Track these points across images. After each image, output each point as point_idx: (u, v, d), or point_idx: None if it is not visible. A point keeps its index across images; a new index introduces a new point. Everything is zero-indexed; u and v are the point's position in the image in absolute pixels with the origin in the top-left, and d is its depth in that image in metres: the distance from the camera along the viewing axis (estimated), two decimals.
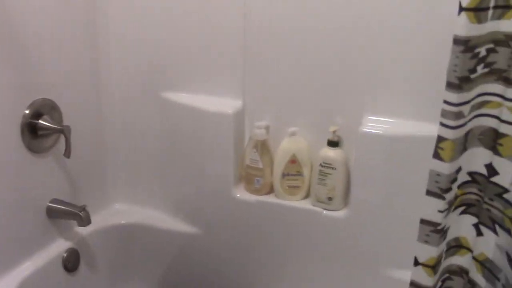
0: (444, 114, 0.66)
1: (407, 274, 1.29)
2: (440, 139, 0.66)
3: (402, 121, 1.29)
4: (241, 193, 1.46)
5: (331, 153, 1.35)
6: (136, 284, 1.65)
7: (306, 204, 1.41)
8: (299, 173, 1.41)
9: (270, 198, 1.44)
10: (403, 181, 1.28)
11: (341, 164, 1.36)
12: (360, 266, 1.39)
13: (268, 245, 1.47)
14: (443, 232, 0.68)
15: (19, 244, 1.29)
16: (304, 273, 1.46)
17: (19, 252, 1.30)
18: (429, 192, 0.67)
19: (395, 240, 1.33)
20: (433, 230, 0.66)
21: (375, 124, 1.30)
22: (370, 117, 1.32)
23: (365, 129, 1.29)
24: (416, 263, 0.68)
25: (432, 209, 0.66)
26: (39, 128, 1.29)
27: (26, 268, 1.30)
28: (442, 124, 0.66)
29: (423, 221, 0.66)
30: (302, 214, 1.41)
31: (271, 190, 1.46)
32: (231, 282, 1.56)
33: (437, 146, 0.67)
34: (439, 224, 0.66)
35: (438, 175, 0.66)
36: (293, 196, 1.43)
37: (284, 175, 1.42)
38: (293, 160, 1.41)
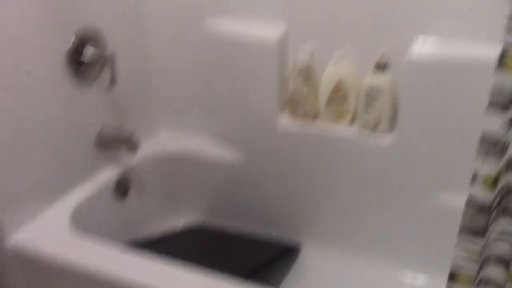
0: (511, 17, 0.62)
1: (458, 198, 1.29)
2: (505, 48, 0.63)
3: (457, 42, 1.23)
4: (286, 121, 1.46)
5: (378, 78, 1.32)
6: (185, 211, 1.69)
7: (351, 131, 1.40)
8: (345, 99, 1.39)
9: (315, 125, 1.43)
10: (454, 106, 1.25)
11: (388, 89, 1.32)
12: (408, 193, 1.38)
13: (313, 172, 1.47)
14: (503, 147, 0.65)
15: (71, 171, 1.33)
16: (351, 203, 1.46)
17: (72, 179, 1.34)
18: (491, 105, 0.65)
19: (444, 168, 1.31)
20: (493, 144, 0.64)
21: (427, 46, 1.25)
22: (421, 38, 1.26)
23: (415, 52, 1.24)
24: (474, 178, 0.66)
25: (493, 123, 0.63)
26: (84, 57, 1.30)
27: (79, 193, 1.34)
28: (508, 29, 0.62)
29: (483, 136, 0.64)
30: (347, 141, 1.40)
31: (316, 117, 1.45)
32: (275, 212, 1.58)
33: (502, 56, 0.64)
34: (500, 139, 0.64)
35: (501, 87, 0.63)
36: (338, 123, 1.41)
37: (329, 101, 1.40)
38: (339, 86, 1.38)
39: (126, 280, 1.05)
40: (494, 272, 0.74)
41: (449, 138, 1.28)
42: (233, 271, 1.30)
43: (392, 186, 1.39)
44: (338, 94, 1.39)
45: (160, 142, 1.64)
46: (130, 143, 1.37)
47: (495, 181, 0.66)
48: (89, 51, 1.30)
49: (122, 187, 1.46)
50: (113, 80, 1.34)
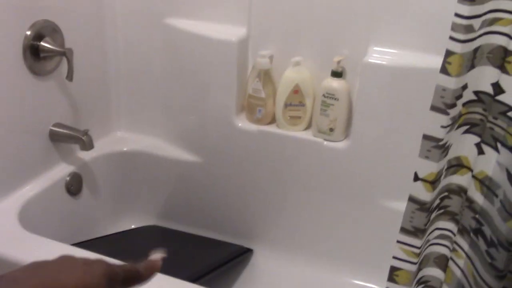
0: (454, 27, 0.65)
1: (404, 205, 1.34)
2: (448, 53, 0.66)
3: (408, 52, 1.28)
4: (243, 123, 1.47)
5: (335, 83, 1.35)
6: (138, 212, 1.68)
7: (307, 135, 1.42)
8: (302, 104, 1.41)
9: (272, 128, 1.45)
10: (406, 114, 1.28)
11: (344, 95, 1.35)
12: (359, 197, 1.41)
13: (269, 175, 1.49)
14: (444, 148, 0.68)
15: (22, 166, 1.30)
16: (303, 203, 1.49)
17: (23, 175, 1.31)
18: (433, 108, 0.67)
19: (395, 173, 1.35)
20: (434, 145, 0.67)
21: (380, 55, 1.29)
22: (375, 48, 1.30)
23: (369, 60, 1.28)
24: (416, 178, 0.68)
25: (435, 124, 0.66)
26: (41, 50, 1.28)
27: (30, 189, 1.31)
28: (451, 38, 0.65)
29: (425, 136, 0.67)
30: (303, 145, 1.42)
31: (272, 120, 1.46)
32: (231, 211, 1.58)
33: (445, 61, 0.67)
34: (441, 140, 0.66)
35: (444, 90, 0.66)
36: (294, 127, 1.43)
37: (286, 105, 1.41)
38: (296, 90, 1.40)
39: None
40: (433, 272, 0.77)
41: (401, 144, 1.32)
42: (183, 271, 1.29)
43: (344, 190, 1.42)
44: (295, 98, 1.41)
45: (116, 141, 1.62)
46: (83, 141, 1.35)
47: (435, 182, 0.69)
48: (45, 45, 1.28)
49: (74, 185, 1.43)
50: (69, 75, 1.32)
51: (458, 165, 0.73)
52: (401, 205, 1.33)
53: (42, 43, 1.28)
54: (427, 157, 0.67)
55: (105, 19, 1.49)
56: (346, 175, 1.40)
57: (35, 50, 1.27)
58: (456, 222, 0.74)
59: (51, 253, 1.08)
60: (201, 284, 1.21)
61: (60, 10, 1.33)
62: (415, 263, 0.70)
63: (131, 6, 1.49)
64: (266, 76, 1.42)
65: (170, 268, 1.30)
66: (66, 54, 1.29)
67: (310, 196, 1.47)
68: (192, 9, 1.44)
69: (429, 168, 0.68)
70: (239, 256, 1.51)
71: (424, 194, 0.68)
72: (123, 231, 1.55)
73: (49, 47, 1.28)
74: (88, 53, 1.46)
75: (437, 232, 0.75)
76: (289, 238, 1.54)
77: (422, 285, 0.76)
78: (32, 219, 1.26)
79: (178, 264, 1.37)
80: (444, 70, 0.66)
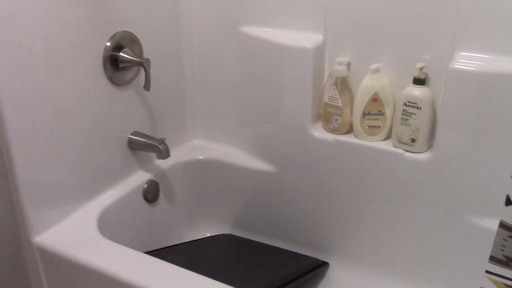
0: None
1: (493, 222, 1.23)
2: None
3: (497, 57, 1.18)
4: (319, 132, 1.42)
5: (417, 91, 1.27)
6: (213, 220, 1.68)
7: (387, 145, 1.35)
8: (381, 113, 1.35)
9: (349, 138, 1.39)
10: (495, 124, 1.18)
11: (427, 104, 1.27)
12: (443, 212, 1.32)
13: (346, 186, 1.43)
14: None
15: (102, 174, 1.34)
16: (383, 217, 1.41)
17: (103, 182, 1.35)
18: None
19: (482, 187, 1.25)
20: None
21: (467, 61, 1.19)
22: (461, 53, 1.21)
23: (456, 66, 1.19)
24: (508, 202, 0.61)
25: None
26: (120, 61, 1.31)
27: (109, 196, 1.35)
28: None
29: None
30: (382, 156, 1.35)
31: (350, 130, 1.41)
32: (307, 222, 1.54)
33: None
34: None
35: None
36: (373, 137, 1.37)
37: (364, 114, 1.35)
38: (375, 99, 1.34)
39: (144, 286, 1.04)
40: None
41: (489, 157, 1.21)
42: (257, 283, 1.27)
43: (426, 204, 1.33)
44: (374, 107, 1.34)
45: (191, 149, 1.63)
46: (160, 150, 1.36)
47: None
48: (124, 56, 1.31)
49: (151, 193, 1.46)
50: (147, 85, 1.34)
51: None
52: (489, 223, 1.25)
53: (121, 54, 1.31)
54: None
55: (181, 29, 1.51)
56: (429, 188, 1.31)
57: (114, 61, 1.30)
58: None
59: (125, 260, 1.11)
60: None
61: (139, 21, 1.36)
62: None
63: (207, 15, 1.49)
64: (343, 84, 1.37)
65: (243, 279, 1.28)
66: (144, 64, 1.32)
67: (390, 210, 1.39)
68: (267, 17, 1.42)
69: None
70: (314, 269, 1.47)
71: None
72: (197, 240, 1.55)
73: (128, 58, 1.31)
74: (165, 63, 1.48)
75: None
76: (367, 253, 1.47)
77: None
78: (110, 225, 1.30)
79: (252, 275, 1.35)
80: None
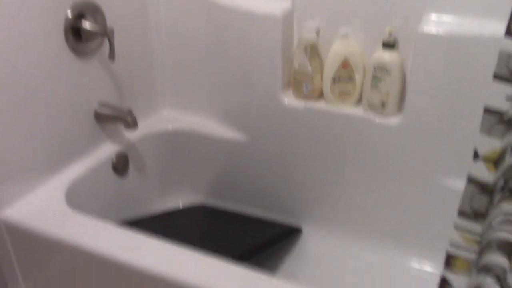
0: None
1: (463, 183, 1.25)
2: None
3: (468, 19, 1.18)
4: (290, 100, 1.41)
5: (387, 55, 1.27)
6: (185, 191, 1.67)
7: (357, 111, 1.35)
8: (351, 78, 1.34)
9: (319, 105, 1.38)
10: (466, 87, 1.19)
11: (396, 68, 1.27)
12: (413, 175, 1.33)
13: (317, 153, 1.43)
14: (509, 123, 0.60)
15: (69, 146, 1.31)
16: (354, 182, 1.42)
17: (70, 154, 1.31)
18: (497, 76, 0.60)
19: (452, 150, 1.26)
20: (498, 119, 0.59)
21: (437, 23, 1.19)
22: (431, 16, 1.21)
23: (425, 29, 1.18)
24: (476, 156, 0.61)
25: (499, 95, 0.58)
26: (83, 31, 1.26)
27: (77, 169, 1.32)
28: None
29: (487, 110, 0.59)
30: (353, 121, 1.35)
31: (320, 96, 1.40)
32: (279, 190, 1.54)
33: (510, 22, 0.59)
34: (505, 113, 0.59)
35: (509, 56, 0.58)
36: (343, 103, 1.36)
37: (334, 80, 1.35)
38: (345, 64, 1.33)
39: (120, 258, 1.03)
40: (496, 260, 0.70)
41: (459, 119, 1.23)
42: (231, 250, 1.27)
43: (398, 168, 1.34)
44: (344, 72, 1.33)
45: (161, 120, 1.60)
46: (128, 121, 1.33)
47: (498, 161, 0.61)
48: (87, 26, 1.26)
49: (120, 164, 1.43)
50: (111, 55, 1.30)
51: None
52: (459, 184, 1.27)
53: (83, 24, 1.26)
54: (489, 133, 0.60)
55: None
56: (400, 152, 1.32)
57: (76, 31, 1.26)
58: None
59: (97, 232, 1.09)
60: (249, 263, 1.19)
61: None
62: (474, 251, 0.64)
63: None
64: (312, 50, 1.35)
65: (217, 247, 1.28)
66: (108, 33, 1.27)
67: (362, 175, 1.40)
68: None
69: (491, 145, 0.61)
70: (288, 236, 1.48)
71: (486, 174, 0.61)
72: (170, 210, 1.54)
73: (90, 28, 1.26)
74: (130, 32, 1.44)
75: (502, 217, 0.67)
76: (339, 218, 1.49)
77: (483, 273, 0.69)
78: (79, 198, 1.27)
79: (226, 243, 1.35)
80: (509, 33, 0.58)
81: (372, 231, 1.45)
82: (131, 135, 1.47)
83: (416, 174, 1.33)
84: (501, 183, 0.66)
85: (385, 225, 1.43)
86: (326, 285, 1.38)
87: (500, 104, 0.58)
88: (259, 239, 1.39)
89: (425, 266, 1.40)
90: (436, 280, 1.35)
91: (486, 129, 0.60)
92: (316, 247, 1.50)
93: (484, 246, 0.67)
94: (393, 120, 1.31)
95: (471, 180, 0.62)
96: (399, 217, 1.40)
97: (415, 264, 1.41)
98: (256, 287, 0.95)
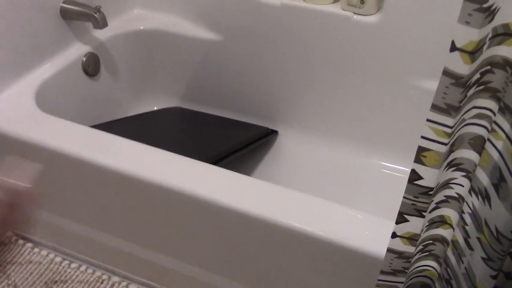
0: None
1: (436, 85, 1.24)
2: None
3: None
4: None
5: None
6: (159, 93, 1.64)
7: (335, 8, 1.30)
8: None
9: (297, 1, 1.33)
10: None
11: None
12: (391, 76, 1.32)
13: (293, 52, 1.40)
14: (489, 12, 0.58)
15: (36, 46, 1.25)
16: (331, 83, 1.41)
17: (37, 55, 1.26)
18: None
19: (431, 49, 1.24)
20: (477, 8, 0.57)
21: None
22: None
23: None
24: (453, 48, 0.59)
25: None
26: None
27: (45, 70, 1.27)
28: None
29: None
30: (330, 19, 1.31)
31: None
32: (255, 91, 1.52)
33: None
34: (486, 1, 0.56)
35: None
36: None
37: None
38: None
39: (91, 159, 1.02)
40: (467, 154, 0.70)
41: (440, 19, 1.19)
42: (206, 152, 1.27)
43: (373, 68, 1.33)
44: None
45: (132, 19, 1.53)
46: (96, 18, 1.27)
47: (475, 52, 0.60)
48: None
49: (91, 66, 1.38)
50: None
51: (506, 34, 0.63)
52: (432, 85, 1.26)
53: None
54: (467, 23, 0.58)
55: None
56: (377, 51, 1.30)
57: None
58: (498, 100, 0.66)
59: (69, 134, 1.07)
60: (225, 165, 1.20)
61: None
62: (445, 144, 0.64)
63: None
64: None
65: (193, 149, 1.28)
66: None
67: (338, 75, 1.38)
68: None
69: (468, 35, 0.59)
70: (263, 137, 1.48)
71: (461, 66, 0.60)
72: (145, 113, 1.52)
73: None
74: None
75: (475, 111, 0.67)
76: (316, 120, 1.49)
77: (454, 168, 0.70)
78: (49, 100, 1.24)
79: (201, 145, 1.35)
80: None
81: (348, 132, 1.46)
82: (101, 35, 1.41)
83: (390, 75, 1.32)
84: (477, 76, 0.64)
85: (361, 126, 1.44)
86: (301, 185, 1.41)
87: None
88: (235, 140, 1.39)
89: (396, 165, 1.43)
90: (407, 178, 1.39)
91: (464, 19, 0.57)
92: (292, 148, 1.51)
93: (455, 140, 0.67)
94: (372, 18, 1.27)
95: (446, 73, 0.61)
96: (375, 118, 1.41)
97: (387, 164, 1.44)
98: (230, 186, 0.96)
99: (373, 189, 1.39)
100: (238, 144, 1.37)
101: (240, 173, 0.98)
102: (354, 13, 1.28)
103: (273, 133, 1.52)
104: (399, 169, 1.43)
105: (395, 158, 1.43)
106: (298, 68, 1.42)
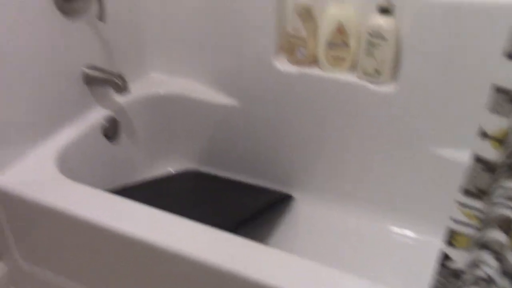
0: None
1: (460, 154, 1.26)
2: None
3: None
4: (283, 64, 1.39)
5: (382, 21, 1.24)
6: (176, 157, 1.65)
7: (351, 77, 1.33)
8: (345, 43, 1.32)
9: (313, 70, 1.36)
10: (463, 55, 1.18)
11: (392, 34, 1.25)
12: (406, 143, 1.34)
13: (310, 119, 1.42)
14: None
15: (58, 110, 1.27)
16: (347, 149, 1.42)
17: (59, 119, 1.28)
18: (510, 54, 0.59)
19: (446, 119, 1.26)
20: (507, 98, 0.59)
21: None
22: None
23: None
24: (482, 135, 0.61)
25: (509, 74, 0.58)
26: None
27: (67, 134, 1.29)
28: None
29: (499, 89, 0.59)
30: (347, 88, 1.34)
31: (314, 61, 1.38)
32: (271, 156, 1.54)
33: None
34: None
35: None
36: (337, 68, 1.35)
37: (329, 44, 1.32)
38: (340, 29, 1.30)
39: (110, 225, 1.02)
40: (495, 235, 0.71)
41: (456, 90, 1.22)
42: (222, 217, 1.27)
43: (391, 137, 1.35)
44: (338, 38, 1.31)
45: (150, 83, 1.57)
46: (118, 84, 1.30)
47: (503, 139, 0.61)
48: None
49: (111, 129, 1.41)
50: (101, 16, 1.26)
51: None
52: (452, 153, 1.28)
53: None
54: (497, 112, 0.60)
55: None
56: (393, 120, 1.32)
57: None
58: None
59: (88, 199, 1.08)
60: (240, 230, 1.19)
61: None
62: (478, 228, 0.64)
63: None
64: (307, 14, 1.32)
65: (208, 215, 1.28)
66: None
67: (354, 142, 1.40)
68: None
69: (498, 124, 0.61)
70: (279, 202, 1.48)
71: (492, 152, 0.62)
72: (162, 176, 1.53)
73: None
74: None
75: (501, 191, 0.68)
76: (332, 185, 1.50)
77: (482, 249, 0.70)
78: (69, 164, 1.25)
79: (217, 210, 1.35)
80: None
81: (363, 198, 1.47)
82: (121, 100, 1.44)
83: (409, 143, 1.33)
84: (507, 161, 0.66)
85: (376, 192, 1.44)
86: (318, 252, 1.40)
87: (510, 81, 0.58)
88: (250, 205, 1.40)
89: (414, 234, 1.42)
90: (420, 246, 1.38)
91: (495, 108, 0.59)
92: (307, 213, 1.51)
93: (485, 223, 0.68)
94: (387, 88, 1.30)
95: (476, 159, 0.62)
96: (390, 185, 1.41)
97: (405, 231, 1.43)
98: (248, 256, 0.95)
99: (387, 256, 1.38)
100: (254, 209, 1.38)
101: (256, 236, 0.97)
102: (370, 83, 1.31)
103: (288, 198, 1.52)
104: (416, 238, 1.42)
105: (412, 225, 1.43)
106: (314, 134, 1.44)
